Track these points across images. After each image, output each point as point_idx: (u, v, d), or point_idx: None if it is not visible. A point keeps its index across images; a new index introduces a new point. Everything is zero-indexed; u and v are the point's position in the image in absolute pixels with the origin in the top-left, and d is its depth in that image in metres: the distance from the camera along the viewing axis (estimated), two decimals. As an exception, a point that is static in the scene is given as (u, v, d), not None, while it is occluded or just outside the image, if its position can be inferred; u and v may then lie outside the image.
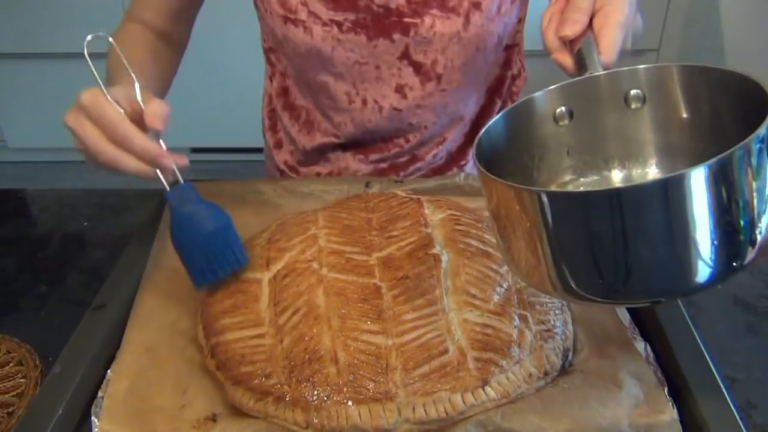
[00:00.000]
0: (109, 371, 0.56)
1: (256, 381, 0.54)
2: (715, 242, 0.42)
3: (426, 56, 0.81)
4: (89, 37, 0.63)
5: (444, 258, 0.62)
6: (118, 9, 2.41)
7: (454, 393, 0.52)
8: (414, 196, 0.72)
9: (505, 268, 0.63)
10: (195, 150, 2.79)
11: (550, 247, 0.45)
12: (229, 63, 2.42)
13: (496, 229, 0.50)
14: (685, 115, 0.54)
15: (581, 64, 0.55)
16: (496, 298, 0.59)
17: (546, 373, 0.55)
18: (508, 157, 0.55)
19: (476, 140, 0.51)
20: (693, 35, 2.33)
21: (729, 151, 0.40)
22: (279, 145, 0.98)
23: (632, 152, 0.57)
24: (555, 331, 0.57)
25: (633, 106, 0.55)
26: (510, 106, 0.56)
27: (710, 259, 0.42)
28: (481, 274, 0.61)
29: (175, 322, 0.62)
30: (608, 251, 0.43)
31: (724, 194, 0.41)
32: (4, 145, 2.75)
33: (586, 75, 0.55)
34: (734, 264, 0.43)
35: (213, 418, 0.53)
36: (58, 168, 2.79)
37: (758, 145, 0.41)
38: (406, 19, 0.79)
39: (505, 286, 0.60)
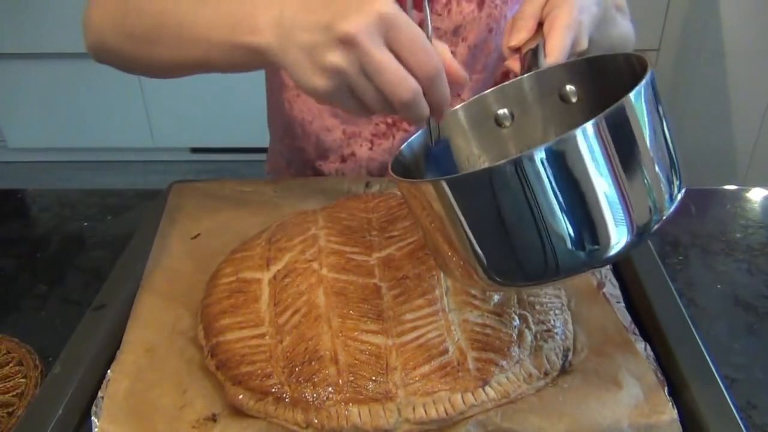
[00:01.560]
0: (109, 371, 0.56)
1: (256, 381, 0.54)
2: (618, 205, 0.42)
3: (438, 34, 0.81)
4: None
5: (444, 258, 0.62)
6: (118, 9, 2.41)
7: (454, 393, 0.52)
8: (414, 196, 0.72)
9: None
10: (195, 150, 2.79)
11: (470, 234, 0.45)
12: (229, 63, 2.42)
13: (422, 234, 0.51)
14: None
15: (532, 67, 0.57)
16: (495, 298, 0.59)
17: (546, 373, 0.55)
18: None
19: (396, 154, 0.52)
20: (693, 35, 2.33)
21: (607, 110, 0.41)
22: (286, 137, 0.98)
23: None
24: (555, 331, 0.57)
25: (573, 100, 0.56)
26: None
27: (616, 223, 0.43)
28: (481, 274, 0.61)
29: (175, 322, 0.62)
30: (522, 227, 0.43)
31: (612, 153, 0.42)
32: (4, 145, 2.75)
33: (514, 78, 0.57)
34: (643, 228, 0.44)
35: (213, 418, 0.53)
36: (58, 168, 2.79)
37: (638, 102, 0.43)
38: None
39: (505, 286, 0.60)
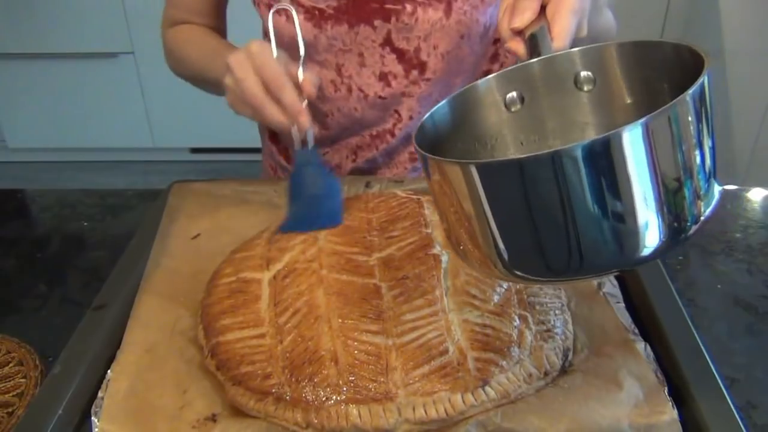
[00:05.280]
0: (109, 371, 0.56)
1: (256, 381, 0.54)
2: (657, 206, 0.41)
3: (408, 43, 0.81)
4: (273, 9, 0.76)
5: (444, 258, 0.62)
6: (118, 9, 2.41)
7: (454, 393, 0.52)
8: (414, 197, 0.72)
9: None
10: (195, 150, 2.79)
11: (493, 223, 0.43)
12: (229, 63, 2.42)
13: (439, 215, 0.49)
14: (629, 97, 0.53)
15: (534, 51, 0.55)
16: (495, 298, 0.59)
17: (546, 373, 0.55)
18: (456, 145, 0.54)
19: (418, 124, 0.50)
20: (693, 35, 2.33)
21: (659, 110, 0.39)
22: (274, 136, 0.99)
23: (590, 136, 0.55)
24: (555, 331, 0.57)
25: (585, 88, 0.54)
26: (455, 92, 0.55)
27: (653, 225, 0.41)
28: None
29: (175, 322, 0.62)
30: (550, 222, 0.41)
31: (658, 154, 0.40)
32: (4, 145, 2.75)
33: (534, 59, 0.54)
34: (680, 231, 0.42)
35: (213, 418, 0.53)
36: (58, 168, 2.79)
37: (692, 104, 0.40)
38: (388, 6, 0.79)
39: (505, 287, 0.60)
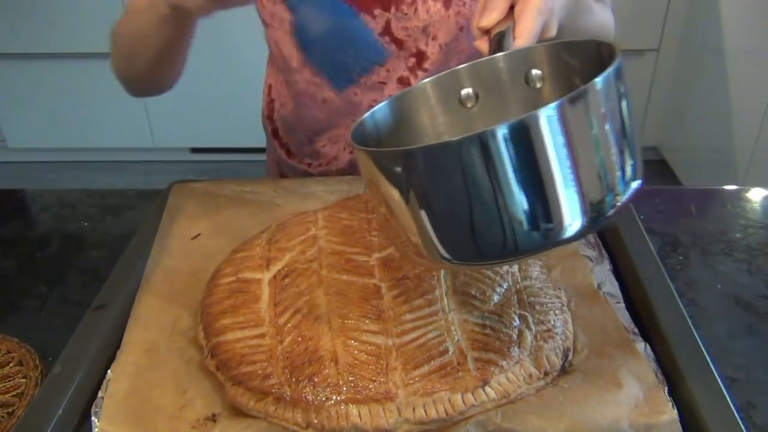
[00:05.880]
0: (109, 371, 0.56)
1: (256, 381, 0.54)
2: (575, 186, 0.42)
3: (407, 33, 0.82)
4: None
5: (444, 258, 0.62)
6: (118, 9, 2.41)
7: (454, 393, 0.52)
8: (414, 196, 0.72)
9: (505, 268, 0.63)
10: (195, 150, 2.79)
11: (421, 211, 0.44)
12: (230, 63, 2.42)
13: (375, 206, 0.50)
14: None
15: (498, 50, 0.56)
16: (495, 298, 0.59)
17: (546, 373, 0.55)
18: (404, 143, 0.55)
19: (357, 122, 0.52)
20: (693, 35, 2.33)
21: (574, 92, 0.41)
22: (276, 132, 0.99)
23: None
24: (555, 331, 0.57)
25: (537, 85, 0.56)
26: (399, 91, 0.56)
27: (573, 204, 0.43)
28: (481, 275, 0.61)
29: (174, 322, 0.62)
30: (473, 204, 0.43)
31: (575, 135, 0.42)
32: (4, 145, 2.75)
33: (484, 58, 0.56)
34: (600, 212, 0.44)
35: (213, 418, 0.53)
36: (58, 168, 2.79)
37: (603, 88, 0.42)
38: None
39: (504, 287, 0.60)
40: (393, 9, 0.80)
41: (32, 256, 0.79)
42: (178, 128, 2.66)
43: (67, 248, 0.81)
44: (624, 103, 0.45)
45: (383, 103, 0.55)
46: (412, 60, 0.84)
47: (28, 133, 2.72)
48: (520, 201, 0.42)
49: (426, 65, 0.84)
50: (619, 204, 0.45)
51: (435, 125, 0.58)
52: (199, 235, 0.74)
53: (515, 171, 0.41)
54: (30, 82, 2.58)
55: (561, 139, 0.41)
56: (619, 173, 0.44)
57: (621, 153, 0.45)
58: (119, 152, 2.79)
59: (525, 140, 0.41)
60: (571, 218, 0.43)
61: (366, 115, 0.53)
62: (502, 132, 0.40)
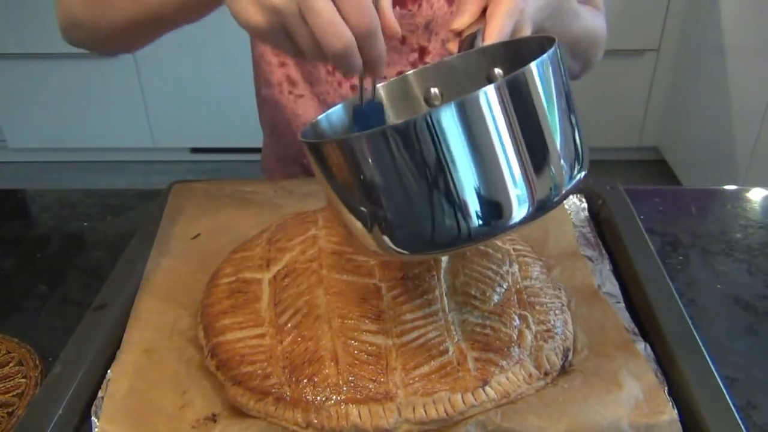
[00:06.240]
0: (109, 371, 0.56)
1: (256, 381, 0.54)
2: (517, 169, 0.42)
3: (409, 28, 0.82)
4: None
5: (443, 258, 0.62)
6: (118, 9, 2.41)
7: (454, 393, 0.52)
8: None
9: (505, 268, 0.63)
10: (195, 150, 2.80)
11: (364, 200, 0.44)
12: (229, 63, 2.42)
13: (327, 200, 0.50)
14: None
15: (468, 50, 0.57)
16: (495, 298, 0.59)
17: (546, 373, 0.55)
18: None
19: (311, 122, 0.52)
20: (693, 34, 2.33)
21: (509, 75, 0.42)
22: (274, 131, 0.99)
23: None
24: (555, 331, 0.57)
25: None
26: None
27: (517, 189, 0.43)
28: (481, 275, 0.61)
29: (174, 322, 0.62)
30: (416, 191, 0.42)
31: (515, 118, 0.42)
32: (5, 145, 2.75)
33: (447, 58, 0.57)
34: (543, 196, 0.44)
35: (213, 418, 0.53)
36: (58, 168, 2.79)
37: (540, 70, 0.43)
38: None
39: (504, 287, 0.60)
40: (397, 7, 0.80)
41: (32, 256, 0.79)
42: (178, 128, 2.66)
43: (67, 248, 0.81)
44: (565, 92, 0.46)
45: (338, 106, 0.55)
46: (414, 55, 0.84)
47: (28, 133, 2.72)
48: (461, 186, 0.42)
49: (428, 60, 0.84)
50: (562, 193, 0.45)
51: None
52: (199, 235, 0.74)
53: (455, 155, 0.41)
54: (30, 82, 2.59)
55: (501, 122, 0.42)
56: (562, 162, 0.45)
57: (563, 142, 0.45)
58: (119, 152, 2.79)
59: (463, 123, 0.41)
60: (515, 204, 0.43)
61: (320, 116, 0.53)
62: (437, 115, 0.41)
